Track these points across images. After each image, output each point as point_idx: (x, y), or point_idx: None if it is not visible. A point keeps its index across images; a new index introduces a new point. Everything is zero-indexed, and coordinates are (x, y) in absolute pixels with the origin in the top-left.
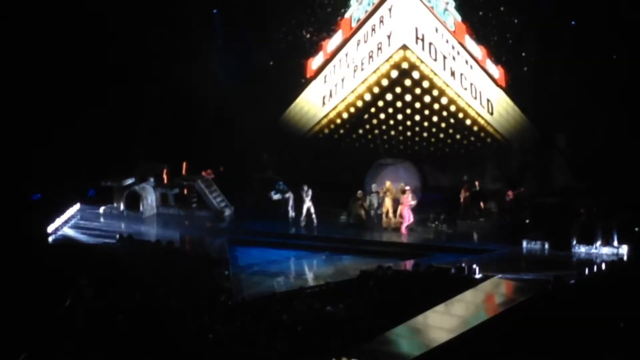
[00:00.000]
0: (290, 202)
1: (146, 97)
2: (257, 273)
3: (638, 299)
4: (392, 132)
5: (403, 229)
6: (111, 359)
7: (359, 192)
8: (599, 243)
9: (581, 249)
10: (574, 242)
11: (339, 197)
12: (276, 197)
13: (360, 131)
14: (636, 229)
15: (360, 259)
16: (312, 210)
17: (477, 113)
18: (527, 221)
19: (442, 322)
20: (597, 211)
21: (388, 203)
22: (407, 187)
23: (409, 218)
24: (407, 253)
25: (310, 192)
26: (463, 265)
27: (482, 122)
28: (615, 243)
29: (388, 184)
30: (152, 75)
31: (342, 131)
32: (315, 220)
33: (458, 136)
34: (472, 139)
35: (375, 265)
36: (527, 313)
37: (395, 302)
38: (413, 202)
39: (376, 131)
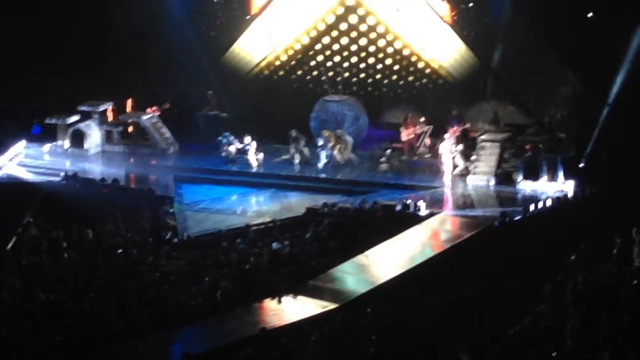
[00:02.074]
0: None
1: (90, 35)
2: (203, 210)
3: (582, 233)
4: (338, 69)
5: (445, 177)
6: (55, 296)
7: (293, 131)
8: (544, 179)
9: (526, 185)
10: (520, 179)
11: (286, 133)
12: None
13: (306, 68)
14: (581, 165)
15: (306, 196)
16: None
17: (422, 49)
18: (474, 157)
19: (388, 258)
20: (542, 147)
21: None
22: (447, 135)
23: (448, 165)
24: (353, 190)
25: (254, 144)
26: (409, 201)
27: (427, 58)
28: (561, 179)
29: (327, 133)
30: (93, 12)
31: (287, 68)
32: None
33: (403, 72)
34: (418, 75)
35: (321, 202)
36: (473, 249)
37: (341, 239)
38: (456, 148)
39: (322, 68)
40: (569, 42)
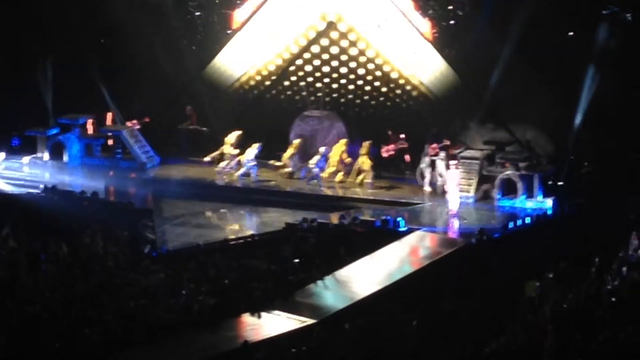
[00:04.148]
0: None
1: (70, 50)
2: (182, 224)
3: (560, 251)
4: (319, 85)
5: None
6: (31, 309)
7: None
8: (523, 196)
9: (505, 203)
10: (499, 196)
11: (267, 147)
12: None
13: (286, 83)
14: (560, 183)
15: (285, 211)
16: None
17: (403, 66)
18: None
19: (367, 274)
20: (522, 165)
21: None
22: (453, 163)
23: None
24: (333, 205)
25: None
26: (388, 218)
27: (408, 75)
28: (540, 197)
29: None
30: (74, 25)
31: (267, 83)
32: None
33: (384, 89)
34: (398, 91)
35: (301, 217)
36: (451, 266)
37: (320, 255)
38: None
39: (302, 83)
40: (548, 61)
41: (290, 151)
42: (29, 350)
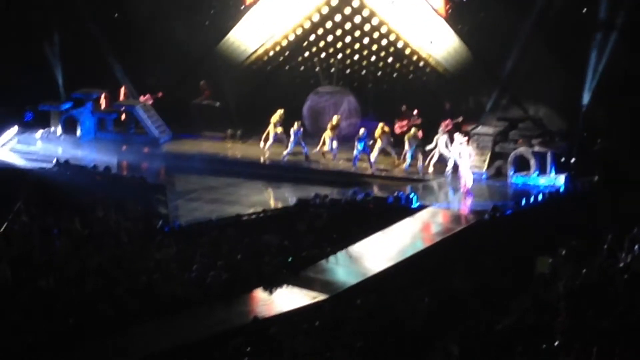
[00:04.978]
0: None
1: (82, 24)
2: (195, 199)
3: (573, 228)
4: (332, 60)
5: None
6: (45, 283)
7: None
8: (536, 173)
9: (518, 179)
10: (511, 172)
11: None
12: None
13: (300, 59)
14: (572, 160)
15: (298, 187)
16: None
17: (416, 41)
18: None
19: (379, 250)
20: (534, 141)
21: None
22: (463, 139)
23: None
24: (345, 182)
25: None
26: (400, 194)
27: (421, 51)
28: (553, 174)
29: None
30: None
31: (281, 58)
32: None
33: (397, 65)
34: (412, 67)
35: (313, 193)
36: (463, 242)
37: (332, 230)
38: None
39: (315, 59)
40: (561, 37)
41: (329, 129)
42: (42, 325)
